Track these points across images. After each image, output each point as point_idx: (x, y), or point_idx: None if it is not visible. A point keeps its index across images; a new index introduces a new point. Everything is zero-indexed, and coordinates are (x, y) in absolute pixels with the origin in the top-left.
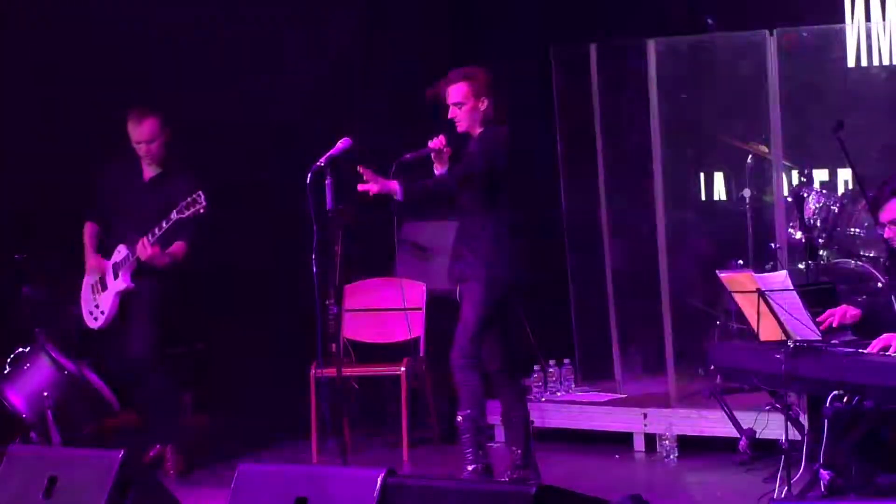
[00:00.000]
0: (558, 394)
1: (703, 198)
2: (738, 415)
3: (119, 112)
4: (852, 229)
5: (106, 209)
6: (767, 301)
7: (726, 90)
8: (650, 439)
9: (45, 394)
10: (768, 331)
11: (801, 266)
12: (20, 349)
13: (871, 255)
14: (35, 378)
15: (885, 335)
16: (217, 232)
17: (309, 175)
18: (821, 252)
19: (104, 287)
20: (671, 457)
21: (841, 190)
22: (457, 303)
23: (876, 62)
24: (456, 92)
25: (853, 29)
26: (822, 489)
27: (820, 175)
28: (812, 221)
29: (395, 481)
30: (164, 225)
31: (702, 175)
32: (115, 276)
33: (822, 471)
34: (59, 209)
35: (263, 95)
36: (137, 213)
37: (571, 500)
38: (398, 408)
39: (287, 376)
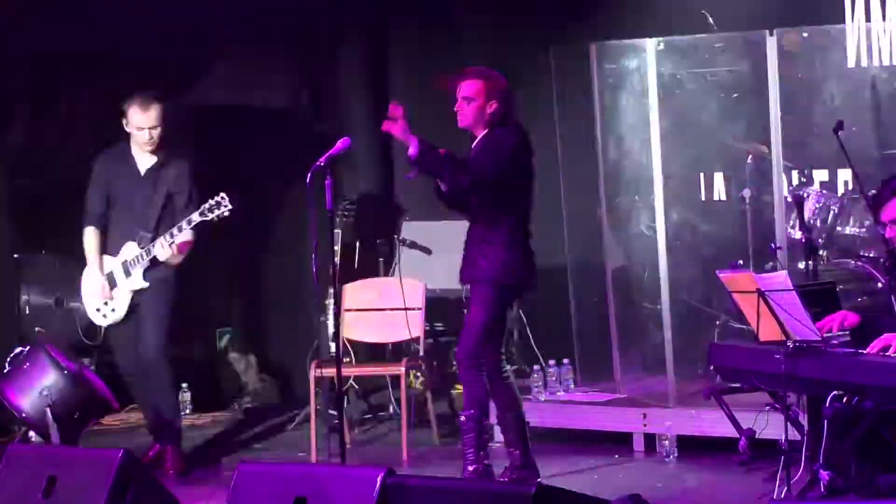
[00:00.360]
0: (558, 394)
1: (703, 198)
2: (738, 415)
3: (118, 112)
4: (852, 229)
5: (103, 208)
6: (767, 301)
7: (726, 90)
8: (650, 439)
9: (45, 393)
10: (768, 331)
11: (801, 266)
12: (20, 349)
13: (871, 255)
14: (35, 377)
15: (885, 335)
16: (217, 230)
17: (309, 175)
18: (821, 252)
19: (114, 284)
20: (671, 457)
21: (841, 190)
22: (462, 302)
23: (876, 62)
24: (469, 87)
25: (853, 29)
26: (822, 489)
27: (820, 175)
28: (812, 221)
29: (394, 481)
30: (184, 226)
31: (702, 175)
32: (127, 274)
33: (821, 471)
34: (60, 209)
35: (263, 95)
36: (137, 205)
37: (571, 500)
38: (398, 408)
39: (287, 375)
